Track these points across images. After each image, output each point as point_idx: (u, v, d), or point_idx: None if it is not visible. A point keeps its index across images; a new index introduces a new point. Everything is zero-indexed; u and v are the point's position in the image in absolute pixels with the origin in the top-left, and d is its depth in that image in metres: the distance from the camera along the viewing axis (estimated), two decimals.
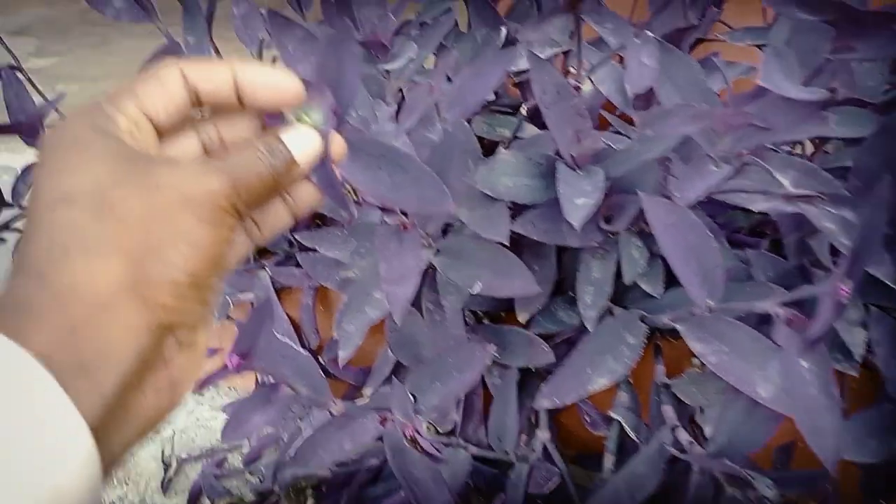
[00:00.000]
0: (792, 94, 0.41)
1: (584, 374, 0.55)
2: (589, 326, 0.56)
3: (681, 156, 0.52)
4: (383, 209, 0.54)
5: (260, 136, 0.30)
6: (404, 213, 0.53)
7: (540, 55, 0.72)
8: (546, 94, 0.52)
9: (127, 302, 0.23)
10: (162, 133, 0.28)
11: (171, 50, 0.73)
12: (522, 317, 0.63)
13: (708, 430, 0.62)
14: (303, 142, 0.30)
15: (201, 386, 0.47)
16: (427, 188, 0.41)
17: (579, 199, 0.51)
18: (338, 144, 0.32)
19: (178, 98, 0.28)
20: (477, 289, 0.56)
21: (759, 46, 0.76)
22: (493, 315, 0.72)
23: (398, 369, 0.73)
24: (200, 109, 0.30)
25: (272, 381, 0.43)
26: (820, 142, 0.70)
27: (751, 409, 0.55)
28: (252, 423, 0.42)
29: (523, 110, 0.62)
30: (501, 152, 0.64)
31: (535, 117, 0.82)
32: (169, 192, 0.24)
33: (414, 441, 0.53)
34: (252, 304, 0.76)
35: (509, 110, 0.83)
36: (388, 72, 0.72)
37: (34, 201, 0.24)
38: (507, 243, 0.51)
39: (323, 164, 0.31)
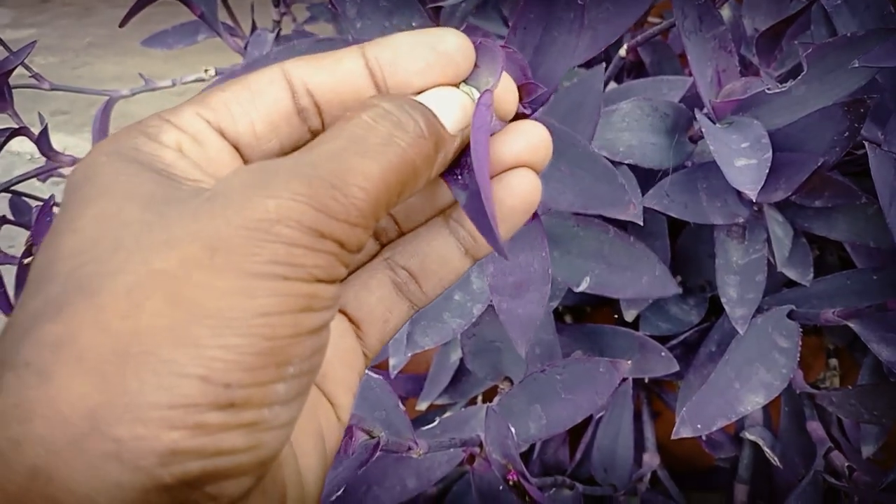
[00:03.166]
0: None
1: (732, 390, 0.42)
2: (739, 329, 0.43)
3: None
4: None
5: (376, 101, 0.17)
6: None
7: None
8: (687, 17, 0.38)
9: (100, 444, 0.13)
10: (252, 157, 0.18)
11: None
12: (630, 314, 0.49)
13: (866, 451, 0.50)
14: (452, 101, 0.18)
15: None
16: (590, 178, 0.27)
17: (739, 159, 0.37)
18: (535, 138, 0.19)
19: (274, 106, 0.17)
20: (584, 286, 0.43)
21: None
22: (577, 310, 0.59)
23: (458, 377, 0.60)
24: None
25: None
26: None
27: None
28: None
29: (623, 51, 0.48)
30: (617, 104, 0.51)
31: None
32: (186, 246, 0.14)
33: (516, 485, 0.40)
34: None
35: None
36: (436, 11, 0.58)
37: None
38: (640, 223, 0.38)
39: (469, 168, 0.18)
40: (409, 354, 0.42)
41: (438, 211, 0.20)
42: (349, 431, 0.31)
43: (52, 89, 0.67)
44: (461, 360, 0.53)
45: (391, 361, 0.57)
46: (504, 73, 0.18)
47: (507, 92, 0.19)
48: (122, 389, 0.13)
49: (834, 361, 0.55)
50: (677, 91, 0.46)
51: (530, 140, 0.19)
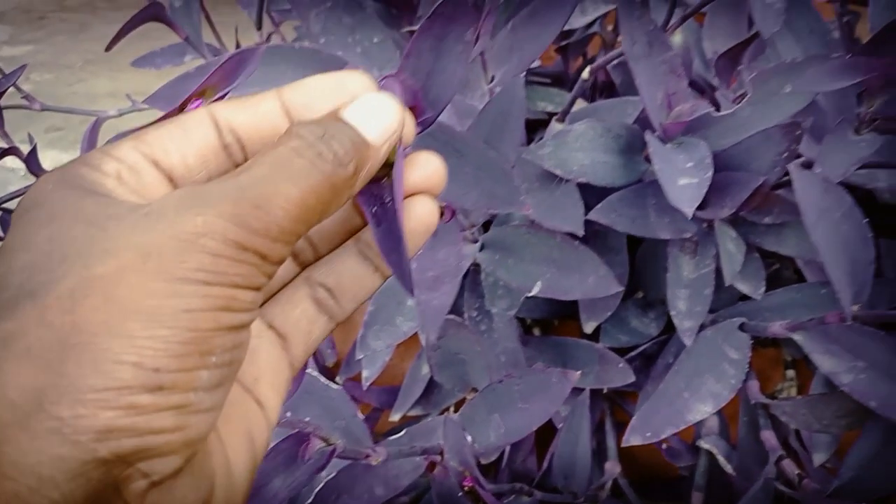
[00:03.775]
0: None
1: (681, 400, 0.43)
2: (686, 340, 0.44)
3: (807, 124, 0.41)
4: None
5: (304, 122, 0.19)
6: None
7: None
8: (636, 43, 0.41)
9: (44, 421, 0.15)
10: (184, 186, 0.20)
11: (154, 12, 0.61)
12: (589, 326, 0.51)
13: (817, 459, 0.52)
14: (376, 111, 0.20)
15: None
16: (490, 180, 0.30)
17: (682, 179, 0.39)
18: (431, 168, 0.22)
19: (203, 142, 0.20)
20: (536, 290, 0.45)
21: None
22: (544, 323, 0.61)
23: (430, 389, 0.61)
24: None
25: (299, 429, 0.32)
26: None
27: (892, 439, 0.44)
28: (274, 489, 0.31)
29: (586, 73, 0.51)
30: (557, 126, 0.53)
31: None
32: (123, 254, 0.16)
33: (472, 492, 0.41)
34: None
35: (548, 80, 0.71)
36: (412, 34, 0.61)
37: None
38: (580, 234, 0.40)
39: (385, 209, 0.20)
40: (361, 356, 0.44)
41: (350, 234, 0.23)
42: (305, 438, 0.33)
43: (44, 109, 0.69)
44: None
45: (364, 374, 0.59)
46: (406, 112, 0.20)
47: (406, 126, 0.21)
48: (64, 374, 0.15)
49: (791, 373, 0.57)
50: (637, 112, 0.48)
51: (428, 170, 0.21)
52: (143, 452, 0.15)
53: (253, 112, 0.20)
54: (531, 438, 0.57)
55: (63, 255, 0.16)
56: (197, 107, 0.24)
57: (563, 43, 0.65)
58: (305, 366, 0.26)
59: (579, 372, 0.39)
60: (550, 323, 0.60)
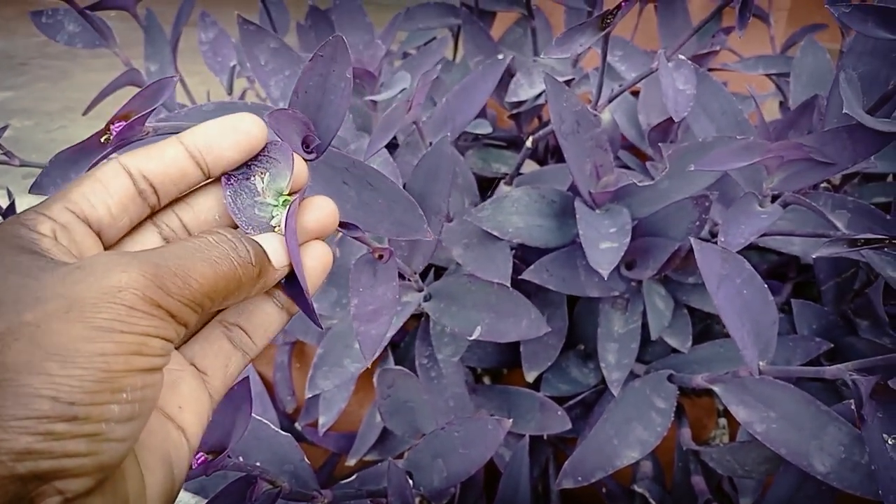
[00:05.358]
0: (869, 124, 0.35)
1: (611, 446, 0.47)
2: (614, 391, 0.48)
3: (718, 196, 0.46)
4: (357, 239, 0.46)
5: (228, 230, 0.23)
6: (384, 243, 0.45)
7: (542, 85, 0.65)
8: (565, 122, 0.45)
9: None
10: (110, 236, 0.23)
11: (131, 78, 0.65)
12: (531, 375, 0.55)
13: (743, 503, 0.55)
14: (279, 246, 0.24)
15: None
16: (400, 210, 0.34)
17: (604, 243, 0.44)
18: (324, 211, 0.26)
19: (120, 192, 0.23)
20: (477, 334, 0.49)
21: (769, 76, 0.71)
22: (494, 373, 0.64)
23: (386, 434, 0.64)
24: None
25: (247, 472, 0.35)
26: (844, 178, 0.64)
27: (802, 484, 0.48)
28: None
29: (528, 143, 0.55)
30: (505, 189, 0.58)
31: (534, 152, 0.76)
32: (51, 303, 0.19)
33: None
34: None
35: (503, 144, 0.76)
36: (374, 103, 0.65)
37: None
38: (507, 284, 0.44)
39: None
40: (310, 395, 0.47)
41: None
42: (253, 480, 0.35)
43: (22, 165, 0.72)
44: None
45: (321, 420, 0.62)
46: (296, 157, 0.24)
47: (299, 173, 0.25)
48: None
49: (723, 421, 0.60)
50: (566, 180, 0.53)
51: (321, 214, 0.25)
52: (58, 473, 0.18)
53: (160, 159, 0.23)
54: (480, 482, 0.60)
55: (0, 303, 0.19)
56: (119, 129, 0.28)
57: (515, 112, 0.70)
58: (251, 409, 0.30)
59: (510, 420, 0.43)
60: (500, 372, 0.64)
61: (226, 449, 0.30)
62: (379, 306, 0.39)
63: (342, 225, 0.30)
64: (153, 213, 0.24)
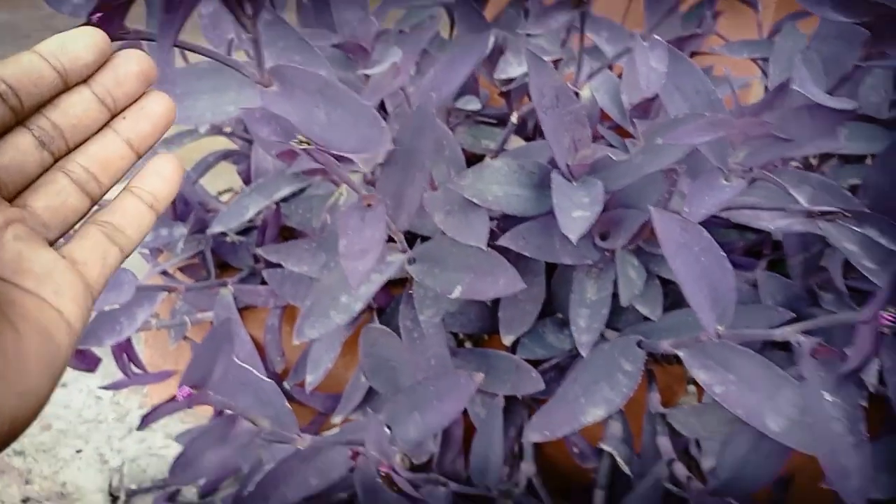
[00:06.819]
0: (824, 102, 0.37)
1: (578, 404, 0.50)
2: (583, 352, 0.51)
3: (686, 170, 0.48)
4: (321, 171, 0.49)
5: None
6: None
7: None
8: (545, 97, 0.48)
9: None
10: None
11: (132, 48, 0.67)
12: (508, 339, 0.58)
13: (706, 464, 0.58)
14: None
15: (147, 420, 0.41)
16: (365, 124, 0.37)
17: (576, 211, 0.46)
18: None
19: None
20: (457, 293, 0.51)
21: (754, 60, 0.73)
22: (476, 338, 0.67)
23: (371, 395, 0.67)
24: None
25: (230, 412, 0.37)
26: (821, 159, 0.67)
27: (758, 443, 0.50)
28: (205, 462, 0.37)
29: (513, 118, 0.57)
30: (490, 161, 0.60)
31: (522, 129, 0.78)
32: None
33: (389, 478, 0.47)
34: (212, 323, 0.70)
35: (493, 121, 0.78)
36: (367, 77, 0.68)
37: None
38: (484, 248, 0.47)
39: None
40: (297, 342, 0.50)
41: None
42: (234, 419, 0.38)
43: None
44: None
45: (308, 378, 0.65)
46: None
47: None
48: None
49: (692, 388, 0.63)
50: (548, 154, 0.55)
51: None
52: None
53: (16, 64, 0.25)
54: (458, 441, 0.63)
55: None
56: None
57: (506, 89, 0.72)
58: (232, 348, 0.32)
59: (482, 374, 0.45)
60: (481, 338, 0.66)
61: (206, 386, 0.33)
62: (366, 246, 0.41)
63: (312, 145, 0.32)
64: (25, 119, 0.26)
